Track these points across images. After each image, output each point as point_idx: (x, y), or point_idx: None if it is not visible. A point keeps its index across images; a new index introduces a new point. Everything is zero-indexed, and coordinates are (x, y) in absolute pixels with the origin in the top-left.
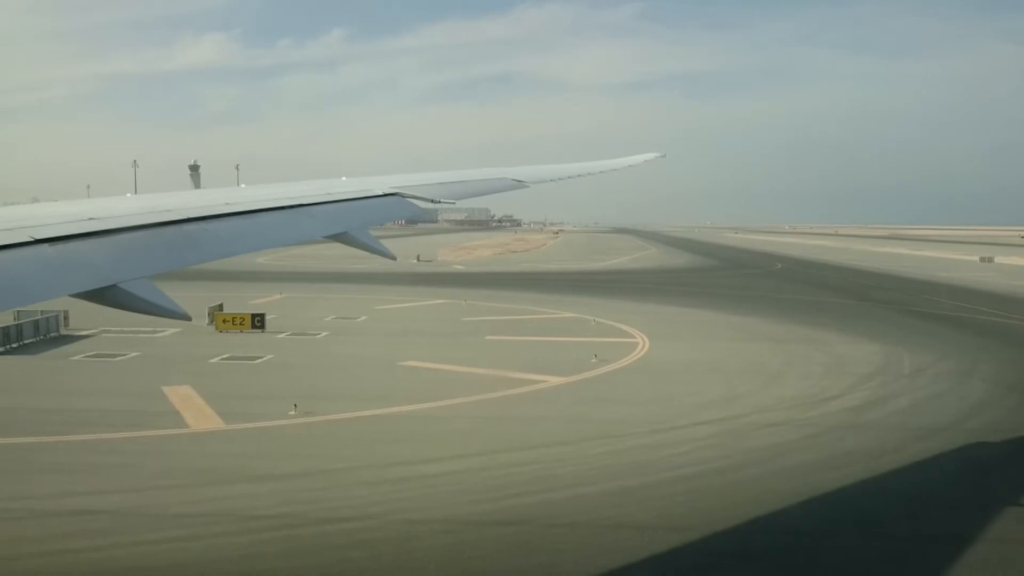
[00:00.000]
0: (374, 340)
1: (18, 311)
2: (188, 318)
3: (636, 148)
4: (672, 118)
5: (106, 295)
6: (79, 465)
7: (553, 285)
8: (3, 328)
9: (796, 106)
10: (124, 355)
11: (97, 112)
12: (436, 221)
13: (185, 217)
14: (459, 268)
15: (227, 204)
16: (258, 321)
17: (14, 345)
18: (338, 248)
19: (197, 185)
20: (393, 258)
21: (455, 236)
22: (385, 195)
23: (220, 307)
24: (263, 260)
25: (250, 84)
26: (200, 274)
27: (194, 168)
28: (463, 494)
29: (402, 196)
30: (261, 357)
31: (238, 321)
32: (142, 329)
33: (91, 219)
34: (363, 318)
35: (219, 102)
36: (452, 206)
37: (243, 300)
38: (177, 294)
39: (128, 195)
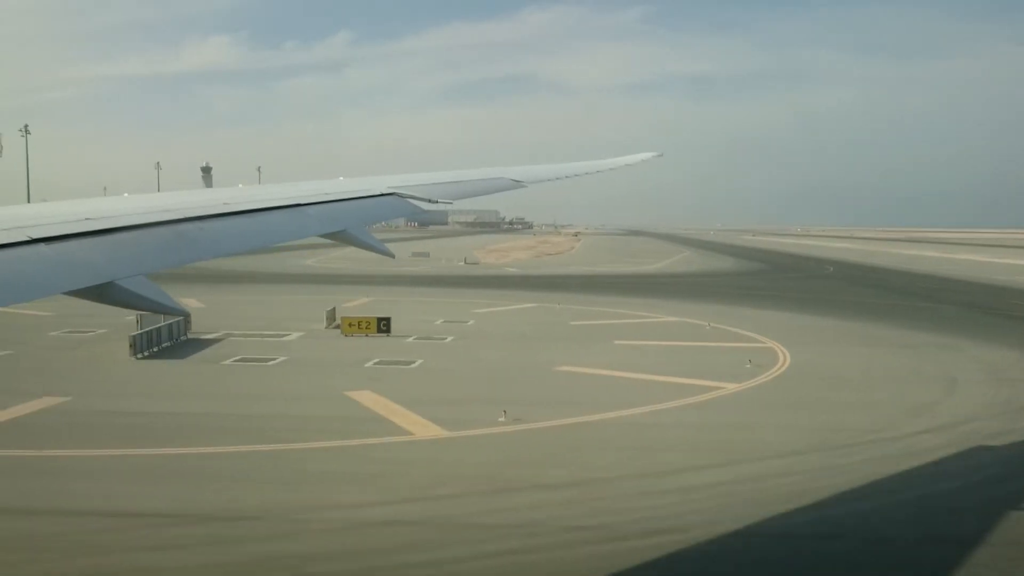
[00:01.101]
0: (504, 344)
1: (140, 315)
2: (186, 314)
3: (640, 149)
4: (676, 120)
5: (104, 292)
6: (339, 474)
7: (618, 288)
8: (147, 332)
9: (800, 108)
10: (273, 359)
11: (106, 114)
12: (446, 223)
13: (182, 217)
14: (512, 271)
15: (225, 204)
16: (384, 325)
17: (155, 349)
18: (398, 250)
19: (209, 187)
20: (392, 256)
21: (473, 239)
22: (383, 195)
23: (333, 311)
24: (311, 263)
25: (257, 86)
26: (261, 278)
27: (206, 170)
28: (760, 504)
29: (400, 196)
30: (412, 362)
31: (364, 325)
32: (265, 332)
33: (87, 219)
34: (471, 322)
35: (226, 104)
36: (462, 208)
37: (328, 303)
38: (257, 298)
39: (125, 195)
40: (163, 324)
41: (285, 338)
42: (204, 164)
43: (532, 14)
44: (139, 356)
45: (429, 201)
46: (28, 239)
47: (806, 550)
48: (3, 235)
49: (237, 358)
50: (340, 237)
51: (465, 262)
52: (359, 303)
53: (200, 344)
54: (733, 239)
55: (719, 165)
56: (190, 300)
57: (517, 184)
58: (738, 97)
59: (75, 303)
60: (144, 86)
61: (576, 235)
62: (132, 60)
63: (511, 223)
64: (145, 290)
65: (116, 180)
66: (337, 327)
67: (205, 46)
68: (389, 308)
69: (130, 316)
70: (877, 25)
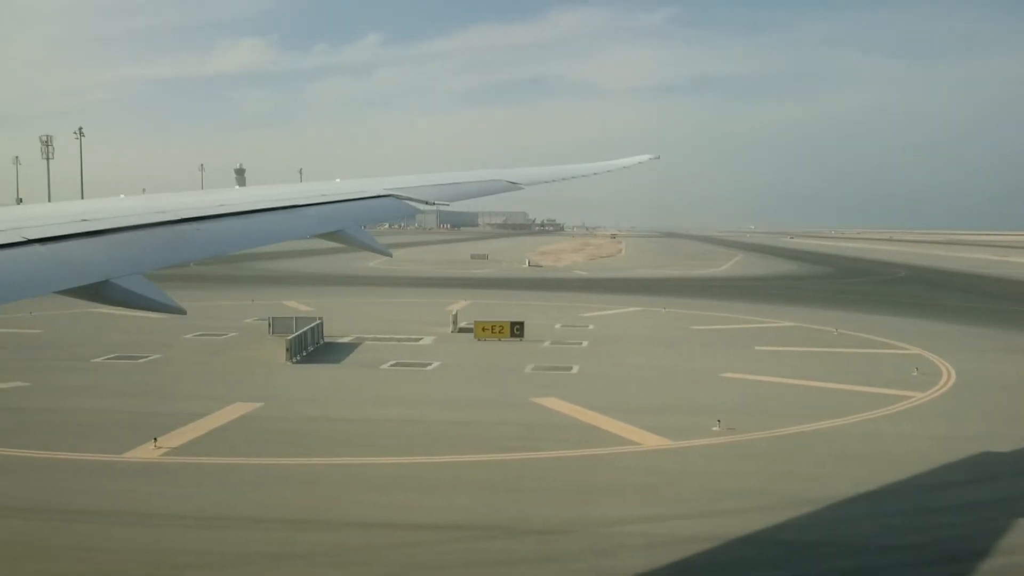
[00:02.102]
0: (647, 349)
1: (272, 318)
2: (183, 312)
3: (666, 151)
4: (702, 121)
5: (100, 291)
6: (602, 486)
7: (699, 292)
8: (299, 336)
9: (827, 109)
10: (428, 364)
11: (139, 116)
12: (477, 225)
13: (179, 218)
14: (582, 274)
15: (221, 205)
16: (517, 329)
17: (303, 354)
18: (448, 252)
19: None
20: (390, 255)
21: (513, 240)
22: (380, 196)
23: (456, 315)
24: (373, 264)
25: (287, 88)
26: (339, 280)
27: (240, 171)
28: None
29: (397, 197)
30: (570, 367)
31: (497, 329)
32: (396, 337)
33: (84, 220)
34: (591, 327)
35: (257, 106)
36: (491, 210)
37: (431, 306)
38: (354, 300)
39: (122, 196)
40: (306, 329)
41: (420, 342)
42: (238, 166)
43: (560, 15)
44: (295, 360)
45: (426, 203)
46: (24, 240)
47: None
48: None
49: (392, 363)
50: (338, 237)
51: (528, 264)
52: (461, 306)
53: (340, 348)
54: (773, 241)
55: (746, 166)
56: (291, 302)
57: (514, 186)
58: (768, 98)
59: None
60: (177, 88)
61: (613, 237)
62: (165, 63)
63: (542, 225)
64: (142, 288)
65: (153, 181)
66: (463, 331)
67: (236, 49)
68: (495, 311)
69: (247, 319)
70: (913, 26)
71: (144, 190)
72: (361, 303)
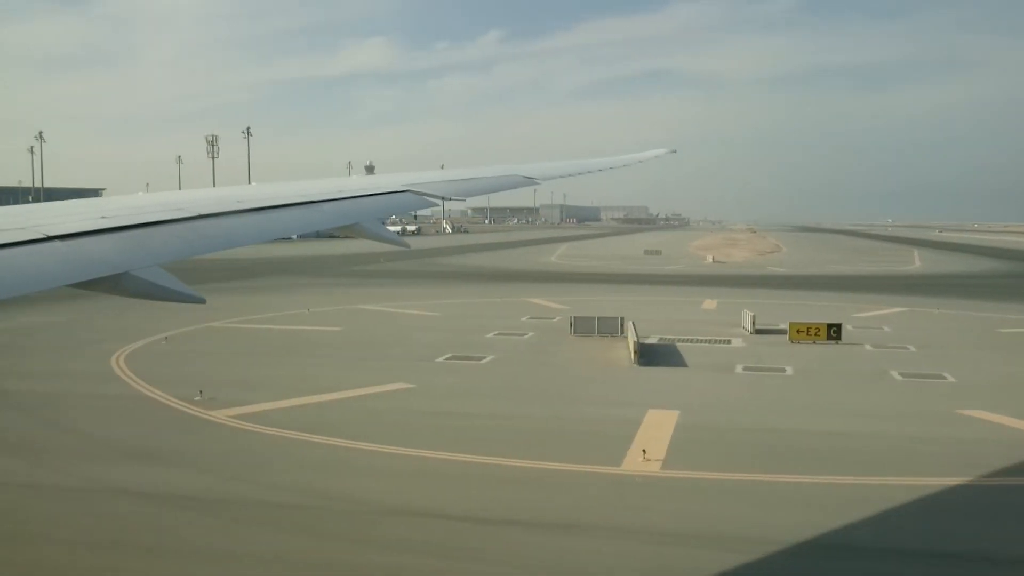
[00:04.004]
0: (986, 356)
1: (574, 317)
2: (202, 301)
3: (784, 141)
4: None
5: (119, 283)
6: None
7: (928, 289)
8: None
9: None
10: (782, 370)
11: (269, 116)
12: (599, 219)
13: (196, 214)
14: (778, 270)
15: (239, 201)
16: (834, 332)
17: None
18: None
19: None
20: (408, 247)
21: (650, 235)
22: (398, 192)
23: (753, 317)
24: (554, 259)
25: (409, 86)
26: (532, 277)
27: (370, 168)
28: None
29: (415, 193)
30: (941, 375)
31: (813, 331)
32: (702, 339)
33: (103, 217)
34: (886, 328)
35: (380, 104)
36: (611, 205)
37: (679, 305)
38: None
39: (140, 193)
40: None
41: (732, 344)
42: (368, 163)
43: (678, 7)
44: (640, 363)
45: (442, 198)
46: (44, 236)
47: None
48: (18, 233)
49: (743, 367)
50: (354, 231)
51: (713, 260)
52: (709, 306)
53: (660, 350)
54: (921, 235)
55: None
56: (537, 299)
57: (530, 181)
58: (894, 87)
59: None
60: (305, 88)
61: (754, 232)
62: (294, 65)
63: (666, 219)
64: (161, 279)
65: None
66: (759, 332)
67: (362, 49)
68: (754, 310)
69: (522, 317)
70: None
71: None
72: (606, 301)
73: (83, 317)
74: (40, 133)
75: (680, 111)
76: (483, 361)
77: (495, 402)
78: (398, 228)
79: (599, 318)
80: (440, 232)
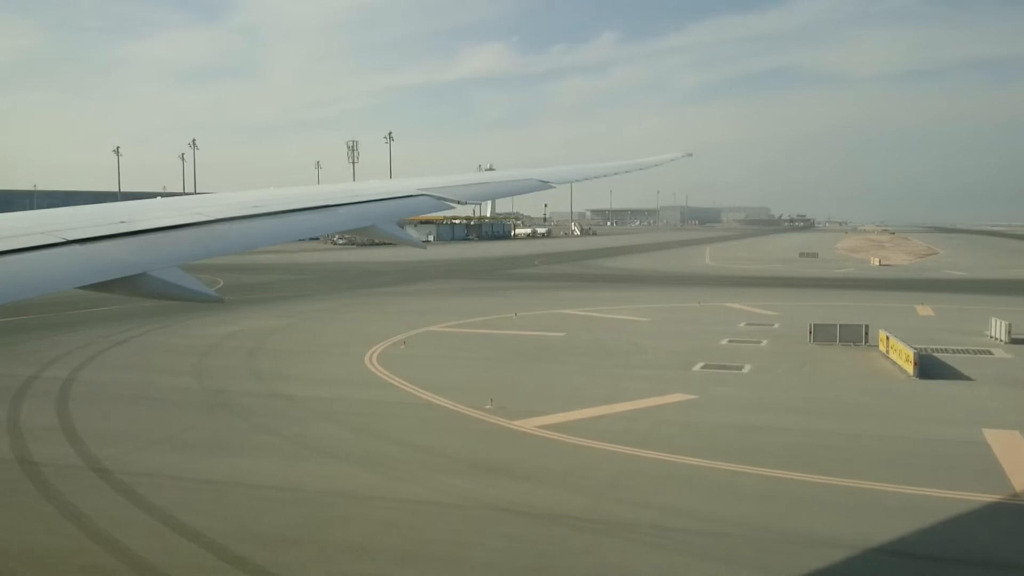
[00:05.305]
0: None
1: (813, 324)
2: (220, 300)
3: (916, 138)
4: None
5: (136, 284)
6: None
7: None
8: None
9: None
10: None
11: (386, 121)
12: (720, 220)
13: (214, 218)
14: (959, 274)
15: (255, 206)
16: None
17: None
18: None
19: None
20: (423, 247)
21: (783, 237)
22: (414, 195)
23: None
24: (708, 262)
25: (526, 89)
26: (682, 281)
27: (489, 170)
28: None
29: (430, 196)
30: None
31: None
32: (950, 348)
33: (122, 222)
34: None
35: (496, 107)
36: (732, 206)
37: (883, 311)
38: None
39: (158, 198)
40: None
41: (996, 355)
42: (488, 166)
43: (799, 3)
44: (919, 375)
45: (458, 202)
46: (63, 240)
47: None
48: (38, 237)
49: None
50: (370, 232)
51: (880, 263)
52: (925, 312)
53: (928, 362)
54: None
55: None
56: (734, 304)
57: (545, 185)
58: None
59: None
60: (425, 93)
61: (892, 234)
62: (414, 70)
63: (791, 220)
64: (179, 279)
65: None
66: (1014, 342)
67: (479, 54)
68: (968, 317)
69: (739, 323)
70: None
71: None
72: (806, 307)
73: (295, 321)
74: (193, 141)
75: (801, 108)
76: (743, 371)
77: (797, 416)
78: (528, 230)
79: (841, 325)
80: (569, 234)
